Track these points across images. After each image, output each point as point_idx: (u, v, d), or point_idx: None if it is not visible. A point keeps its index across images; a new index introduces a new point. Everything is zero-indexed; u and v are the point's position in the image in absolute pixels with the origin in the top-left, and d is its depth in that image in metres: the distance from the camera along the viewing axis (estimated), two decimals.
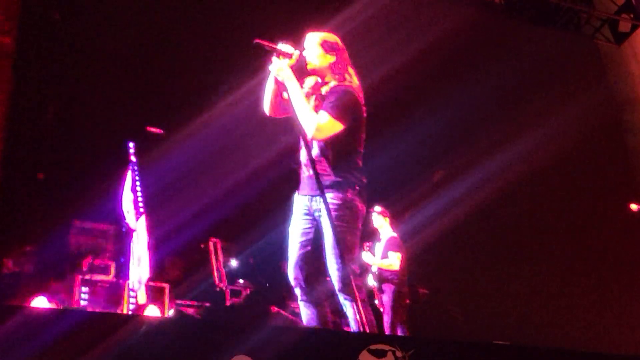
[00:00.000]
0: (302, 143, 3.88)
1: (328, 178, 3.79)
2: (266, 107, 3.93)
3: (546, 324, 8.37)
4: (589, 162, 9.14)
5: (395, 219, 7.66)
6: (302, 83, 3.88)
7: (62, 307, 5.79)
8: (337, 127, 3.74)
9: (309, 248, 3.78)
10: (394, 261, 7.34)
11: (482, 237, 8.51)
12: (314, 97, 3.93)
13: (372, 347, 2.89)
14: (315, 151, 3.87)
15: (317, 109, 3.82)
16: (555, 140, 8.69)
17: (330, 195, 3.74)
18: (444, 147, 8.47)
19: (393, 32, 8.00)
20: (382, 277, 7.39)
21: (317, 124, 3.72)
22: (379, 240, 7.54)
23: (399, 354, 2.94)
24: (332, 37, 3.96)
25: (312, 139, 3.80)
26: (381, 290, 7.40)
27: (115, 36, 6.83)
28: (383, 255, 7.42)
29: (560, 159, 8.76)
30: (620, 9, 9.62)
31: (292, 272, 3.81)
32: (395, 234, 7.53)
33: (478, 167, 8.39)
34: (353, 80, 3.95)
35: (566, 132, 8.71)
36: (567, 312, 8.60)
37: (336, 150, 3.83)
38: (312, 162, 3.75)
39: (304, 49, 3.88)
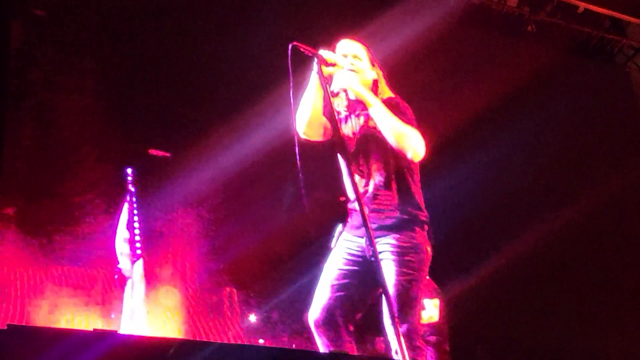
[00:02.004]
0: (357, 167, 3.23)
1: (392, 214, 3.15)
2: (310, 128, 3.22)
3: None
4: (621, 195, 8.32)
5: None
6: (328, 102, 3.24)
7: (93, 329, 4.63)
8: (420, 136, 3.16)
9: (342, 294, 3.17)
10: (434, 311, 5.88)
11: (527, 275, 7.44)
12: (359, 119, 3.29)
13: None
14: (376, 179, 3.19)
15: (366, 130, 3.22)
16: (588, 169, 8.18)
17: (394, 236, 3.12)
18: (476, 174, 7.50)
19: (422, 62, 7.20)
20: None
21: (419, 140, 3.11)
22: None
23: None
24: (370, 51, 3.39)
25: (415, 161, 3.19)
26: None
27: (110, 37, 5.46)
28: None
29: (594, 188, 8.06)
30: None
31: (315, 317, 3.18)
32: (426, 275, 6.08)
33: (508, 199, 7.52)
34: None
35: (597, 162, 8.24)
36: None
37: (403, 179, 3.21)
38: (359, 195, 3.02)
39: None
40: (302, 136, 3.22)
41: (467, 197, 7.04)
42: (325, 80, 3.13)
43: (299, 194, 3.20)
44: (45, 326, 4.63)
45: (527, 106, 8.10)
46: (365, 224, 2.93)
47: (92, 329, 4.43)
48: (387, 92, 3.33)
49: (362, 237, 3.15)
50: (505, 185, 7.62)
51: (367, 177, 3.21)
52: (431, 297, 5.76)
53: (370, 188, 3.19)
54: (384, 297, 2.97)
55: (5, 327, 2.22)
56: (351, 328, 3.23)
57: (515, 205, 7.46)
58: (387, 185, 3.18)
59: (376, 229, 3.12)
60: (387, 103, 3.21)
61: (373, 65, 3.31)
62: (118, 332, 4.68)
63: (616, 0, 8.54)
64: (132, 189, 5.16)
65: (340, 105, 3.32)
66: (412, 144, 3.11)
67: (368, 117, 3.25)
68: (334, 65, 3.17)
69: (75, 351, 2.23)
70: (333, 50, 3.26)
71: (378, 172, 3.20)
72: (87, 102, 5.46)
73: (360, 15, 6.31)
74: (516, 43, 8.29)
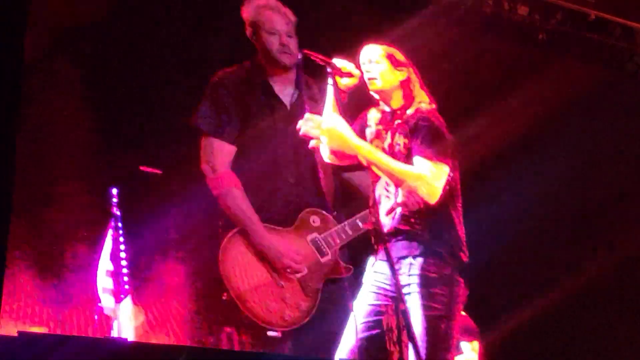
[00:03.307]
0: (382, 187, 3.12)
1: (421, 238, 3.01)
2: (333, 152, 3.12)
3: None
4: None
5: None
6: (363, 118, 3.21)
7: (104, 336, 4.33)
8: (444, 172, 3.00)
9: (374, 332, 3.03)
10: (472, 356, 5.11)
11: (582, 313, 6.86)
12: (389, 134, 3.13)
13: None
14: (403, 198, 3.02)
15: (403, 150, 3.09)
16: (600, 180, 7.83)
17: (419, 265, 2.96)
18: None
19: (429, 70, 6.72)
20: None
21: (429, 183, 2.91)
22: None
23: None
24: (397, 51, 3.29)
25: (432, 204, 2.99)
26: None
27: (92, 41, 4.68)
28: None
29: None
30: None
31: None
32: (462, 312, 5.35)
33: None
34: (429, 105, 3.23)
35: (610, 173, 7.92)
36: None
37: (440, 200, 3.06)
38: (378, 221, 2.88)
39: (361, 65, 3.20)
40: (327, 160, 3.11)
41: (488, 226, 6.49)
42: (341, 93, 3.01)
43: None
44: (56, 333, 4.33)
45: (539, 113, 7.71)
46: (387, 257, 2.73)
47: (103, 336, 4.04)
48: (422, 96, 3.15)
49: (384, 261, 2.97)
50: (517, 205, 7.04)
51: (395, 196, 3.02)
52: (469, 340, 5.07)
53: (398, 209, 2.99)
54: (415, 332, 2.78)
55: (17, 334, 2.19)
56: None
57: (544, 230, 6.88)
58: (414, 201, 3.00)
59: (399, 256, 2.93)
60: (416, 122, 3.02)
61: (397, 67, 3.13)
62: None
63: (628, 8, 8.39)
64: (118, 213, 4.36)
65: (372, 119, 3.16)
66: (425, 192, 2.90)
67: (400, 132, 3.07)
68: (350, 75, 3.09)
69: (86, 358, 2.22)
70: (357, 59, 3.12)
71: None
72: (67, 114, 4.65)
73: (368, 25, 5.77)
74: (527, 51, 8.00)
